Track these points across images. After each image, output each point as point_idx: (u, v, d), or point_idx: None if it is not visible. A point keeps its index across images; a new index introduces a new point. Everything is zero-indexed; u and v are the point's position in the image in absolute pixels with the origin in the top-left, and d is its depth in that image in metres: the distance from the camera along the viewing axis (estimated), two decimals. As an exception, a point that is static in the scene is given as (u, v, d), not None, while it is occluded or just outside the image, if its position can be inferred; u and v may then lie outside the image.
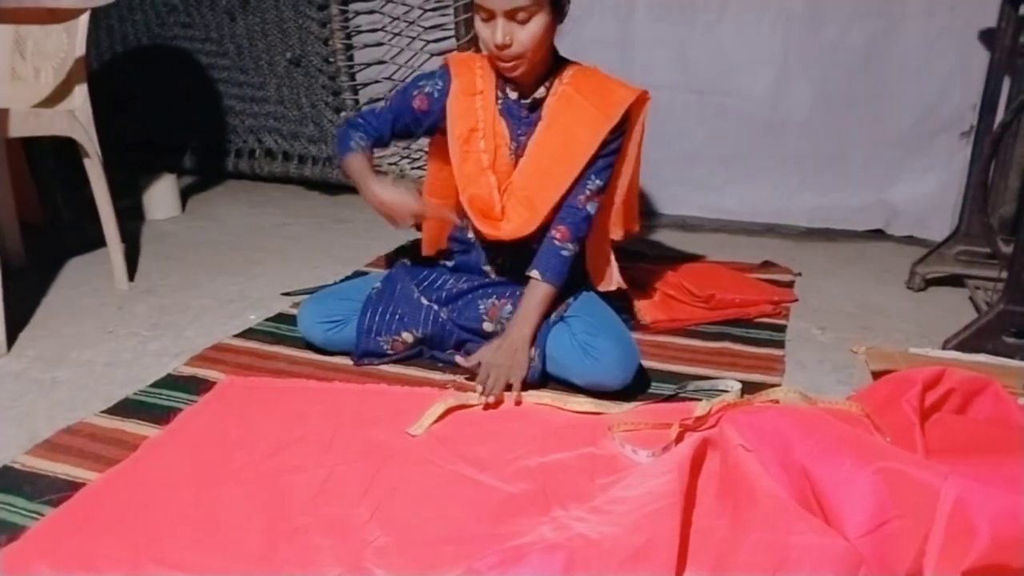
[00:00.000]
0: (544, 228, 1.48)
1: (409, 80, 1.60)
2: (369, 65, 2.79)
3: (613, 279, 1.63)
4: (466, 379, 1.46)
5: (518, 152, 1.49)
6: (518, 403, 1.37)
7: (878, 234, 2.54)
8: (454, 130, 1.48)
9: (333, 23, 2.70)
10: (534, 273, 1.45)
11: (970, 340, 1.55)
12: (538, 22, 1.34)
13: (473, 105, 1.49)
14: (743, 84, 2.61)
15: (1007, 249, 1.61)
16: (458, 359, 1.48)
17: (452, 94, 1.49)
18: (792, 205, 2.64)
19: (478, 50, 1.51)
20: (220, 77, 3.08)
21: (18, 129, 1.74)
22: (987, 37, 2.22)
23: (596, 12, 2.68)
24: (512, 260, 1.54)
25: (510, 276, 1.56)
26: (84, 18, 1.91)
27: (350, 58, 2.76)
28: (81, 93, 1.93)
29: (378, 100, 2.81)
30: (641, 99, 1.50)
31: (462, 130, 1.48)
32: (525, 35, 1.34)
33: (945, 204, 2.46)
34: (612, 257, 1.63)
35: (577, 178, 1.45)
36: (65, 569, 0.94)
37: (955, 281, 2.01)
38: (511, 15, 1.32)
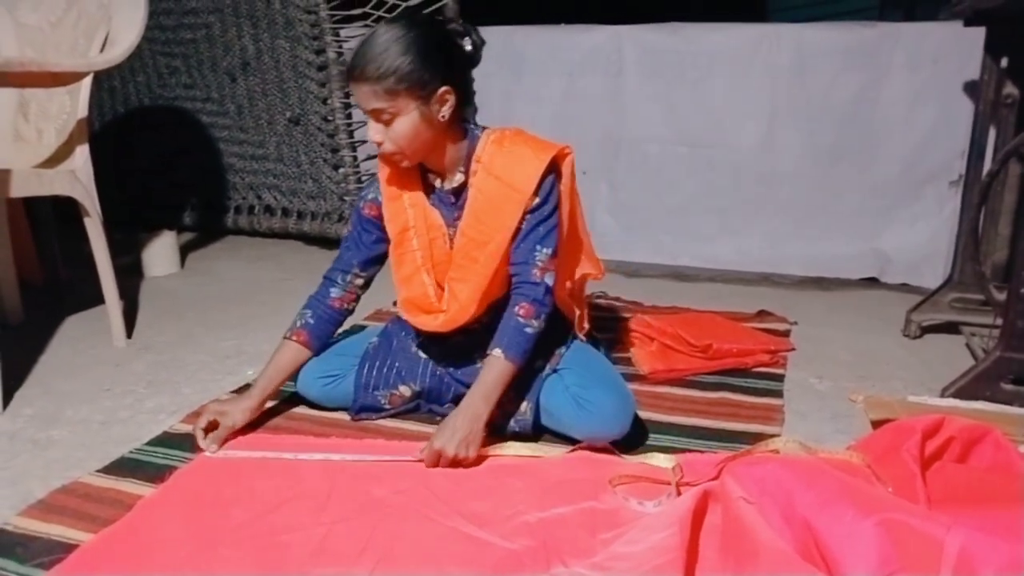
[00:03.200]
0: (493, 304, 1.46)
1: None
2: (367, 123, 2.84)
3: (582, 326, 1.61)
4: None
5: (455, 238, 1.45)
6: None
7: (872, 282, 2.56)
8: (390, 235, 1.47)
9: (332, 83, 2.76)
10: (496, 351, 1.37)
11: (968, 387, 1.55)
12: (404, 121, 1.32)
13: (402, 205, 1.46)
14: (733, 136, 2.66)
15: (1000, 296, 1.62)
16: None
17: (383, 202, 1.48)
18: (785, 254, 2.67)
19: None
20: (220, 136, 3.13)
21: (20, 189, 1.77)
22: (971, 88, 2.27)
23: (588, 69, 2.74)
24: (494, 314, 1.51)
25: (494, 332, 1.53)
26: (87, 81, 1.95)
27: (348, 116, 2.82)
28: (83, 153, 1.96)
29: (375, 157, 2.86)
30: (560, 156, 1.43)
31: (393, 233, 1.47)
32: (394, 134, 1.33)
33: (937, 252, 2.49)
34: (580, 307, 1.61)
35: (504, 257, 1.40)
36: (56, 635, 0.92)
37: (951, 328, 2.02)
38: (376, 115, 1.32)
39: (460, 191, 1.45)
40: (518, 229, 1.40)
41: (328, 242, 3.00)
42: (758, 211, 2.70)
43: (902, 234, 2.58)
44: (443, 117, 1.34)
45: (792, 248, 2.66)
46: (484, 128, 1.45)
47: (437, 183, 1.46)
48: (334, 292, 1.53)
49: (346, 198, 2.91)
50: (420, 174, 1.47)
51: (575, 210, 1.54)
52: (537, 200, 1.39)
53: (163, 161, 3.25)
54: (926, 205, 2.55)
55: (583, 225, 1.60)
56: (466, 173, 1.43)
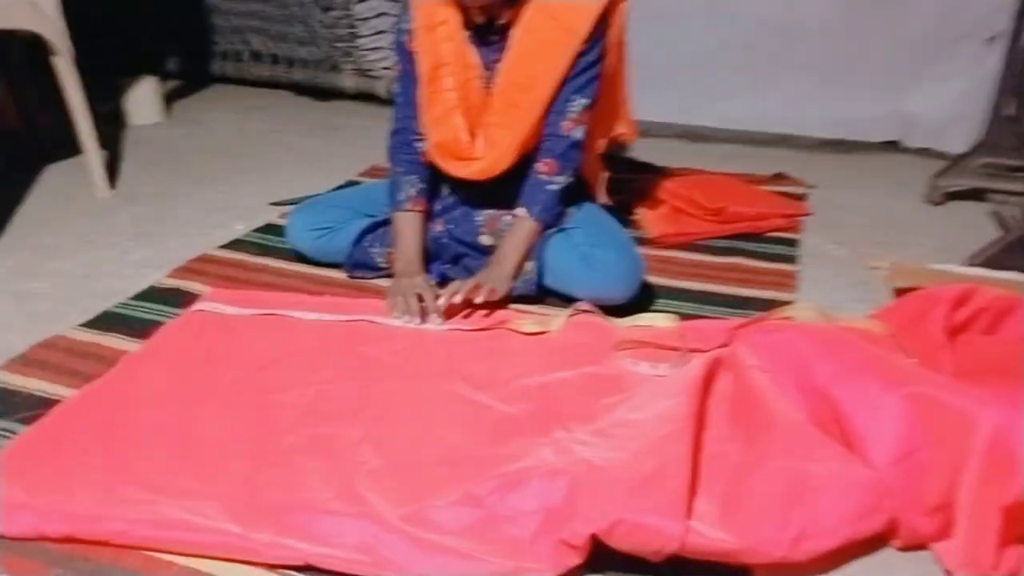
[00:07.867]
0: (527, 154, 1.37)
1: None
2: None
3: (600, 193, 1.54)
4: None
5: (492, 80, 1.35)
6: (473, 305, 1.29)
7: (892, 146, 2.44)
8: (420, 70, 1.34)
9: (320, -89, 2.51)
10: (520, 210, 1.33)
11: (997, 257, 1.47)
12: None
13: (436, 38, 1.33)
14: (757, -16, 2.45)
15: (1040, 161, 1.51)
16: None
17: (415, 32, 1.34)
18: (805, 114, 2.52)
19: None
20: (201, -28, 2.89)
21: (-24, 22, 1.61)
22: (1025, -69, 2.05)
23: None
24: (514, 168, 1.43)
25: (509, 187, 1.45)
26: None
27: (339, -50, 2.58)
28: (46, -17, 1.78)
29: (369, -3, 2.65)
30: (615, 1, 1.33)
31: (426, 68, 1.34)
32: None
33: (966, 114, 2.34)
34: (602, 170, 1.53)
35: (549, 105, 1.31)
36: (37, 491, 0.89)
37: (976, 195, 1.92)
38: None
39: (503, 30, 1.32)
40: (566, 76, 1.30)
41: (320, 92, 2.83)
42: (779, 68, 2.52)
43: (930, 95, 2.43)
44: None
45: (813, 108, 2.51)
46: None
47: (480, 19, 1.32)
48: (419, 146, 1.42)
49: (338, 44, 2.71)
50: (463, 8, 1.32)
51: (620, 64, 1.44)
52: (584, 46, 1.29)
53: (143, 1, 3.02)
54: (959, 63, 2.37)
55: (625, 81, 1.50)
56: (512, 11, 1.29)
